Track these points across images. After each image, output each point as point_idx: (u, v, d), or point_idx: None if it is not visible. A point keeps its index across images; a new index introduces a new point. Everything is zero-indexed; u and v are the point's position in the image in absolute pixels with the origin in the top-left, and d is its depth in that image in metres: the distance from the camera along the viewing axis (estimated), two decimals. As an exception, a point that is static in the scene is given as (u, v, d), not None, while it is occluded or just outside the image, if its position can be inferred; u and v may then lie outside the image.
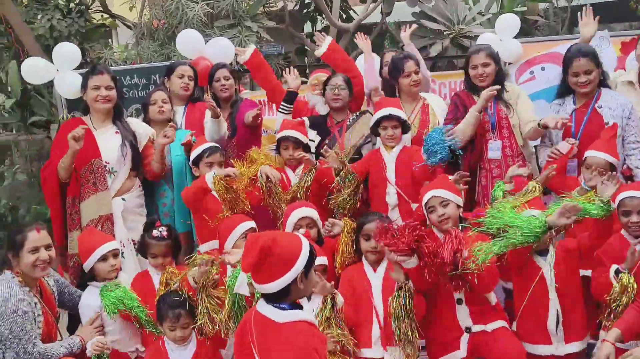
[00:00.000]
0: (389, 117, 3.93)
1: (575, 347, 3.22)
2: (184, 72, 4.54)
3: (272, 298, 2.25)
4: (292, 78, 4.58)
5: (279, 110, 4.49)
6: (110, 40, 10.40)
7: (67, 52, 4.75)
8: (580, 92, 3.98)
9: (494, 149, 4.14)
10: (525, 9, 7.72)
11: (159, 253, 3.55)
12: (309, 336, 2.21)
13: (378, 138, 4.13)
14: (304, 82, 5.11)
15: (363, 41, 4.90)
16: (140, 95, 5.07)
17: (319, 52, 4.68)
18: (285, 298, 2.25)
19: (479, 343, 3.19)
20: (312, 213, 3.64)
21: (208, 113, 4.51)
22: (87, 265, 3.43)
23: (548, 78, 5.03)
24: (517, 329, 3.28)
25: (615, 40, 4.99)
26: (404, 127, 4.01)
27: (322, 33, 4.93)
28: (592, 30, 4.38)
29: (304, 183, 3.94)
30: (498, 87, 4.02)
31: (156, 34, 6.03)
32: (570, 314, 3.19)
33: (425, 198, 3.37)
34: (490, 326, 3.13)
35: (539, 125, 3.91)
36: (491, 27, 7.11)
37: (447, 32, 6.88)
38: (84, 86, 3.97)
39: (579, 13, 4.59)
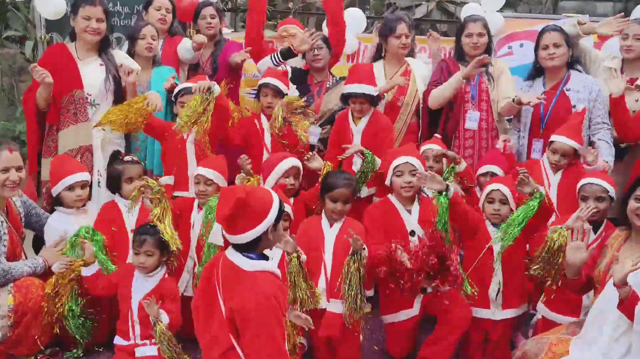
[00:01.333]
0: (359, 95, 3.87)
1: (510, 313, 3.41)
2: (162, 4, 4.51)
3: (242, 248, 2.36)
4: (301, 40, 4.36)
5: (271, 58, 4.38)
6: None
7: (52, -31, 4.61)
8: (548, 66, 4.07)
9: (471, 119, 4.23)
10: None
11: (135, 176, 3.52)
12: (272, 285, 2.34)
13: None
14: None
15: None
16: (122, 23, 5.03)
17: None
18: (254, 248, 2.37)
19: (430, 302, 3.35)
20: (298, 163, 3.71)
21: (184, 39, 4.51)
22: (54, 191, 3.48)
23: (525, 55, 5.08)
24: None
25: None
26: (373, 101, 3.96)
27: None
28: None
29: None
30: (489, 57, 4.09)
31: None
32: (510, 284, 3.36)
33: (397, 162, 3.45)
34: (443, 287, 3.26)
35: (513, 100, 4.01)
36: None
37: (431, -5, 6.90)
38: (75, 12, 3.85)
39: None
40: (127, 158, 3.62)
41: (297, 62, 4.69)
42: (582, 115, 3.84)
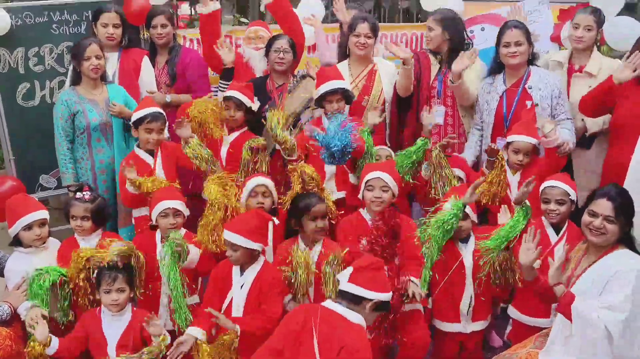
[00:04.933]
0: (334, 91, 3.89)
1: (479, 326, 3.45)
2: (108, 20, 4.34)
3: (348, 300, 2.60)
4: (225, 52, 4.33)
5: (218, 87, 4.34)
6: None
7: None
8: (510, 64, 4.03)
9: (437, 114, 4.19)
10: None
11: (77, 215, 3.47)
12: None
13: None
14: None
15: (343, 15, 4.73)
16: (70, 32, 4.78)
17: (266, 0, 4.49)
18: (356, 304, 2.60)
19: (390, 326, 3.31)
20: (268, 182, 3.64)
21: (145, 61, 4.44)
22: (11, 232, 3.37)
23: (487, 39, 5.02)
24: (432, 305, 3.47)
25: (554, 6, 5.00)
26: (347, 98, 3.99)
27: None
28: (628, 76, 3.72)
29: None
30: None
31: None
32: (480, 298, 3.38)
33: (369, 176, 3.45)
34: (406, 307, 3.27)
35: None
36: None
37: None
38: None
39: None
40: (78, 194, 3.51)
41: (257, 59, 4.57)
42: (533, 111, 3.85)
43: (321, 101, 3.97)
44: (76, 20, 4.81)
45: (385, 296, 2.64)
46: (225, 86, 4.23)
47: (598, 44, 4.24)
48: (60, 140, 4.06)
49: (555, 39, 4.86)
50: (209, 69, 4.70)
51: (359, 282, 2.59)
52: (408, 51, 4.25)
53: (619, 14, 4.57)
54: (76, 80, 4.12)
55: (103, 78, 4.16)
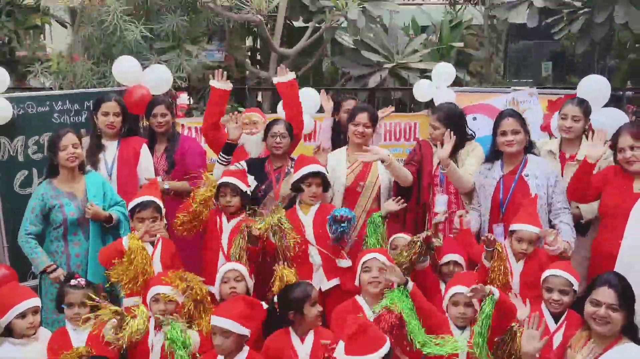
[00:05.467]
0: (316, 174, 3.98)
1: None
2: (109, 109, 4.42)
3: None
4: (233, 126, 4.41)
5: (218, 161, 4.39)
6: (41, 36, 9.95)
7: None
8: (507, 152, 4.10)
9: (440, 203, 4.23)
10: (462, 44, 7.91)
11: (75, 302, 3.41)
12: None
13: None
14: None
15: (326, 102, 4.91)
16: (72, 121, 4.87)
17: (278, 79, 4.60)
18: None
19: None
20: (240, 267, 3.63)
21: (144, 149, 4.49)
22: (4, 321, 3.28)
23: (478, 128, 5.14)
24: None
25: (543, 97, 5.18)
26: (325, 184, 4.06)
27: (286, 67, 4.76)
28: (600, 151, 3.84)
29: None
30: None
31: (92, 52, 5.80)
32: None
33: (365, 258, 3.48)
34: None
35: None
36: (431, 59, 7.28)
37: (386, 65, 6.96)
38: None
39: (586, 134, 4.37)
40: (73, 281, 3.45)
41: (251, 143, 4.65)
42: (535, 201, 3.88)
43: (300, 184, 4.03)
44: (77, 109, 4.91)
45: (385, 348, 2.65)
46: (225, 160, 4.32)
47: (587, 133, 4.35)
48: (24, 230, 3.95)
49: (545, 128, 4.99)
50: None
51: (357, 352, 2.59)
52: (380, 153, 4.17)
53: (605, 106, 4.72)
54: (53, 173, 4.04)
55: (81, 168, 4.09)
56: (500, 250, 3.67)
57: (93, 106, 4.51)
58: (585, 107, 4.30)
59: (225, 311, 3.09)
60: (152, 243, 3.83)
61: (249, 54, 8.88)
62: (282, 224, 3.82)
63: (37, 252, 3.90)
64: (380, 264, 3.43)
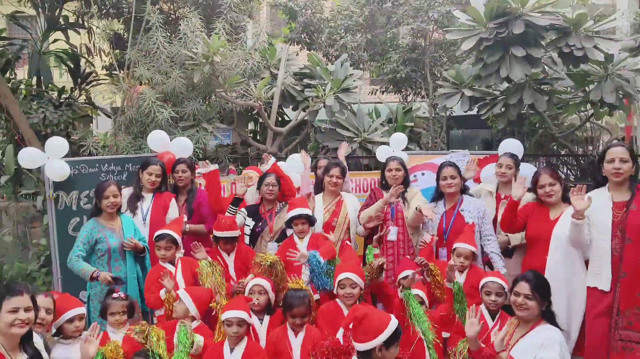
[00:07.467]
0: (299, 216, 4.04)
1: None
2: (153, 171, 4.49)
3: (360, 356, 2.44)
4: (240, 186, 4.46)
5: (227, 211, 4.39)
6: (91, 124, 10.15)
7: (57, 144, 4.65)
8: (447, 192, 4.21)
9: (391, 233, 4.29)
10: (412, 124, 8.18)
11: (116, 311, 3.42)
12: None
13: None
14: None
15: (305, 157, 5.04)
16: (115, 179, 4.93)
17: (265, 168, 4.74)
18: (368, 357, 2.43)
19: None
20: (264, 282, 3.63)
21: (172, 202, 4.52)
22: (57, 323, 3.28)
23: (426, 181, 5.34)
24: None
25: (474, 156, 5.36)
26: (310, 221, 4.11)
27: (269, 155, 4.99)
28: (521, 192, 3.86)
29: None
30: (402, 187, 4.20)
31: (131, 129, 5.97)
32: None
33: (340, 277, 3.48)
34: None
35: (416, 209, 4.10)
36: (389, 135, 7.49)
37: (355, 139, 7.18)
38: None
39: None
40: (114, 295, 3.47)
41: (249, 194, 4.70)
42: (472, 227, 3.98)
43: (291, 223, 4.09)
44: (119, 170, 5.00)
45: (386, 333, 2.42)
46: (233, 210, 4.35)
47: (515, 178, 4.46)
48: (74, 254, 3.92)
49: (477, 179, 5.13)
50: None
51: (362, 339, 2.43)
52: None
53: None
54: (97, 213, 4.12)
55: (118, 210, 4.19)
56: (433, 269, 3.71)
57: (141, 166, 4.56)
58: (515, 159, 4.46)
59: (239, 306, 3.14)
60: (172, 263, 3.87)
61: (251, 135, 9.11)
62: (277, 267, 3.83)
63: (84, 265, 3.89)
64: (352, 281, 3.46)
